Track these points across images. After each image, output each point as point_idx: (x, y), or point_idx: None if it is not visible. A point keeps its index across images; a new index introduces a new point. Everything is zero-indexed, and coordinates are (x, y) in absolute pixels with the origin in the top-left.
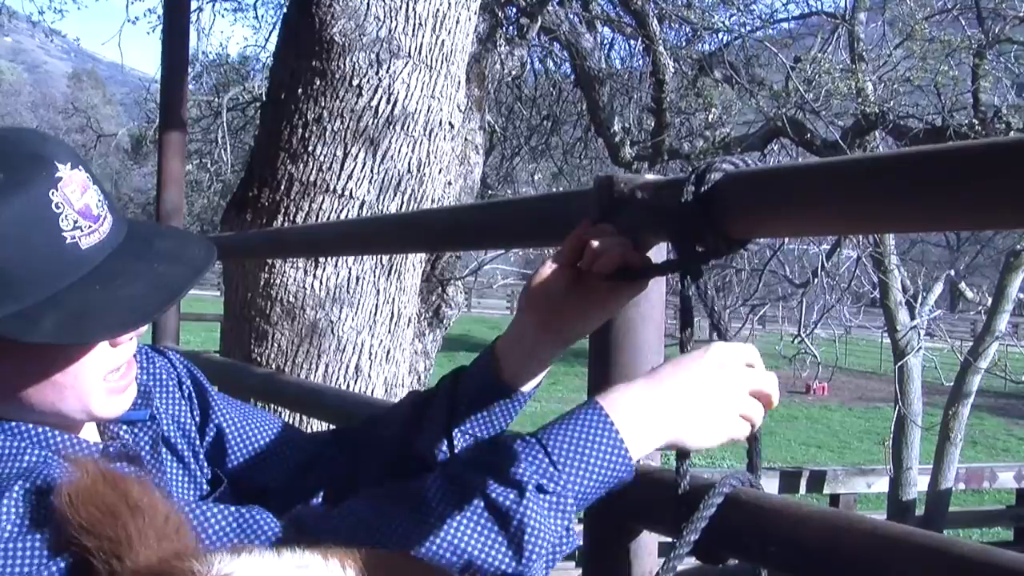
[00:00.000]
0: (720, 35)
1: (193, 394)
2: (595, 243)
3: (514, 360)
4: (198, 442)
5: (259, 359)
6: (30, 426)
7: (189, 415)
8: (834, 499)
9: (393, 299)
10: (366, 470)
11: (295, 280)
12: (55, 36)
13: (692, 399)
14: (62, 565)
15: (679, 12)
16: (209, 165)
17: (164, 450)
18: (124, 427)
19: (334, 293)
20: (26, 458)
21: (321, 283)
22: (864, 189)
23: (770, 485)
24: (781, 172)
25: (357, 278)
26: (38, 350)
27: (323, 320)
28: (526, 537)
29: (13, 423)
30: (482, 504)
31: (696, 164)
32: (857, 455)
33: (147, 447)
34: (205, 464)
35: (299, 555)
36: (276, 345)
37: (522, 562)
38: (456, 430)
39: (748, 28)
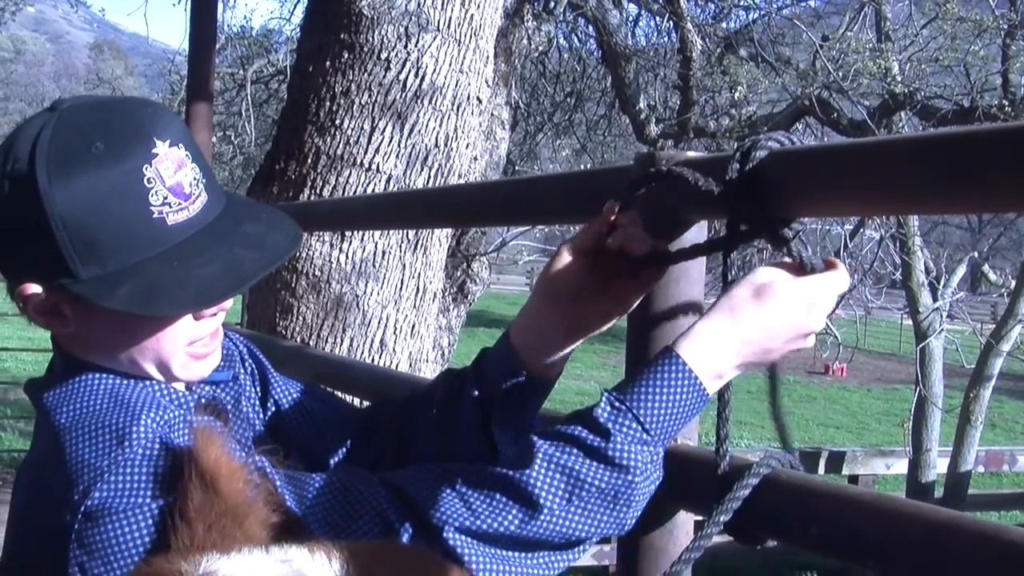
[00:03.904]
0: (747, 12)
1: (255, 371)
2: (621, 225)
3: (541, 358)
4: (261, 415)
5: (284, 332)
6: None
7: (252, 390)
8: (852, 480)
9: (419, 274)
10: (415, 451)
11: (321, 254)
12: (80, 6)
13: (768, 335)
14: (157, 506)
15: None
16: (233, 138)
17: (243, 411)
18: (207, 387)
19: (360, 267)
20: (145, 393)
21: (347, 257)
22: (915, 169)
23: None
24: (828, 150)
25: (383, 252)
26: (120, 313)
27: (348, 294)
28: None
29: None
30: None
31: (721, 142)
32: (875, 436)
33: (230, 406)
34: (267, 436)
35: (284, 550)
36: (301, 318)
37: (629, 478)
38: (494, 427)
39: (776, 5)
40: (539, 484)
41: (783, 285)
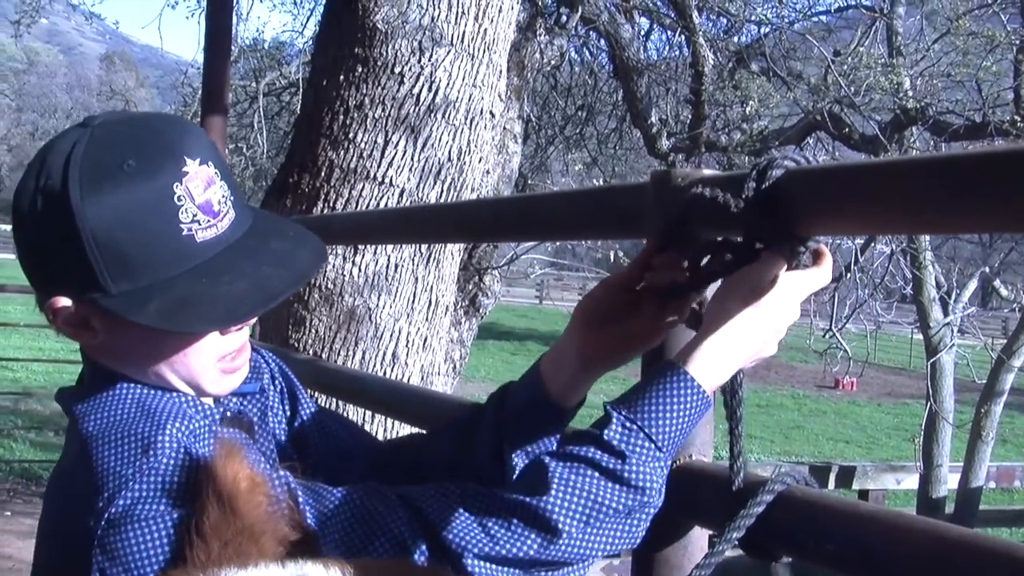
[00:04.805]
0: (758, 27)
1: (284, 389)
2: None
3: (559, 381)
4: (287, 431)
5: (296, 344)
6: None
7: (280, 407)
8: (863, 495)
9: (431, 287)
10: (429, 473)
11: (334, 266)
12: (94, 19)
13: (763, 336)
14: (179, 516)
15: (720, 4)
16: (244, 150)
17: (269, 424)
18: (235, 399)
19: (372, 280)
20: (171, 404)
21: (360, 270)
22: (931, 189)
23: None
24: (844, 169)
25: (396, 265)
26: (149, 328)
27: (361, 307)
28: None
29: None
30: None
31: (732, 156)
32: (885, 451)
33: (256, 418)
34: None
35: (300, 565)
36: (314, 331)
37: (644, 499)
38: (506, 445)
39: (787, 20)
40: (557, 509)
41: (776, 288)
